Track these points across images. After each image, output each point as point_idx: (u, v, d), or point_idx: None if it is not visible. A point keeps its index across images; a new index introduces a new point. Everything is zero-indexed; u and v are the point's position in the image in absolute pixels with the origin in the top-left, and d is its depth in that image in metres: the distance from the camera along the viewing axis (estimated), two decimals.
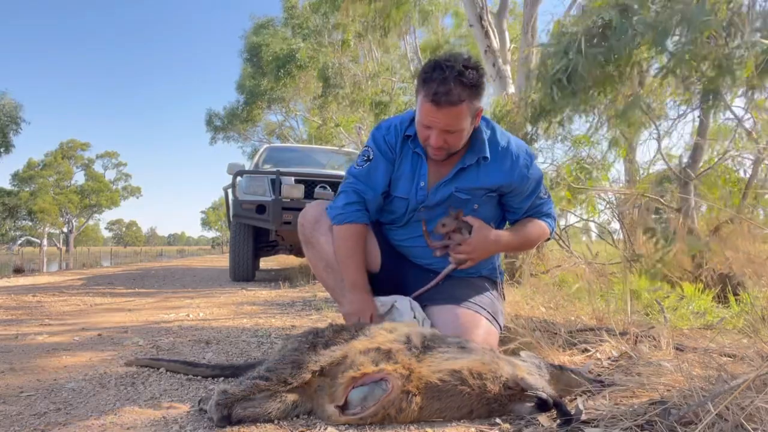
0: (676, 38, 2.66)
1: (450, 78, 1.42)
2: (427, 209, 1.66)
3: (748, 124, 3.29)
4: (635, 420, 1.00)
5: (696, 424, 0.92)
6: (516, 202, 1.70)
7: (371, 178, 1.67)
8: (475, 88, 1.46)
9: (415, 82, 1.57)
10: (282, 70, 14.52)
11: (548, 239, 1.82)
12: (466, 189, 1.62)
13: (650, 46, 2.81)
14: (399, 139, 1.67)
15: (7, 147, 16.69)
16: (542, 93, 3.17)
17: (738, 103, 3.21)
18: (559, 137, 4.16)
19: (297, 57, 13.87)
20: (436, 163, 1.64)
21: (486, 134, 1.62)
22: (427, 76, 1.46)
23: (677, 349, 1.53)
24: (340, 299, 1.77)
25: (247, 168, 6.20)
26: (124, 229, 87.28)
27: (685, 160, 3.67)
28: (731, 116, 3.30)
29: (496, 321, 1.62)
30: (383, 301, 1.62)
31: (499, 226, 1.76)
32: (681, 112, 3.69)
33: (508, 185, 1.63)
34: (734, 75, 2.53)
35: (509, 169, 1.62)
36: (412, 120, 1.66)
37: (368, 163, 1.68)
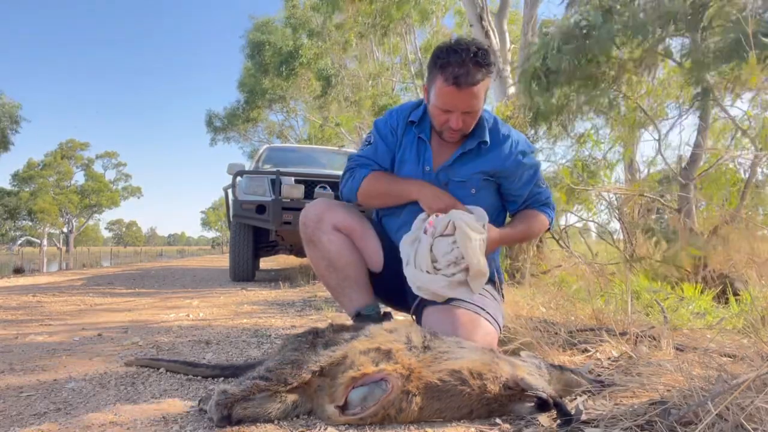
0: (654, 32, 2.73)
1: (467, 60, 1.48)
2: None
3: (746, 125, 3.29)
4: (635, 420, 1.00)
5: (696, 424, 0.92)
6: (514, 189, 1.72)
7: (373, 157, 1.75)
8: (489, 68, 1.52)
9: (429, 68, 1.61)
10: (285, 67, 14.49)
11: (548, 229, 1.85)
12: (465, 173, 1.66)
13: (627, 41, 2.90)
14: (401, 122, 1.74)
15: (6, 146, 16.56)
16: (522, 87, 3.28)
17: (737, 105, 3.23)
18: (561, 137, 4.16)
19: (300, 53, 13.86)
20: (438, 148, 1.70)
21: (488, 123, 1.68)
22: (443, 61, 1.50)
23: (677, 349, 1.53)
24: (341, 299, 1.77)
25: (247, 168, 6.20)
26: (124, 229, 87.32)
27: (684, 160, 3.67)
28: (728, 116, 3.31)
29: (496, 321, 1.62)
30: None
31: (498, 215, 1.77)
32: (681, 113, 3.70)
33: (504, 170, 1.67)
34: (710, 68, 2.59)
35: (507, 154, 1.66)
36: (416, 106, 1.73)
37: (369, 146, 1.77)
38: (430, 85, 1.58)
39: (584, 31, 2.97)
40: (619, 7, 2.89)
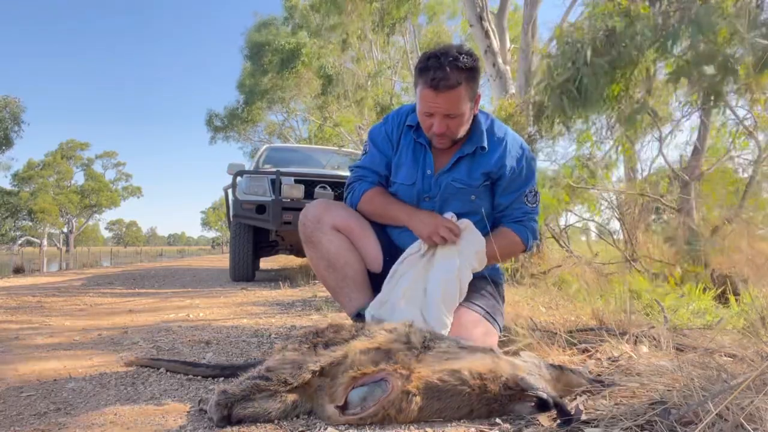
0: (684, 42, 2.68)
1: (445, 63, 1.50)
2: (431, 199, 1.70)
3: (748, 125, 3.28)
4: (635, 420, 1.00)
5: (696, 424, 0.92)
6: (498, 192, 1.71)
7: (370, 165, 1.78)
8: (471, 71, 1.53)
9: (414, 76, 1.64)
10: (286, 66, 14.45)
11: (525, 251, 1.78)
12: (463, 177, 1.67)
13: (657, 52, 2.85)
14: (396, 127, 1.76)
15: (9, 144, 16.65)
16: (552, 103, 3.22)
17: (740, 105, 3.22)
18: (562, 137, 4.15)
19: (303, 52, 13.84)
20: (437, 153, 1.70)
21: (485, 126, 1.69)
22: (423, 65, 1.54)
23: (677, 349, 1.53)
24: (341, 299, 1.77)
25: (247, 168, 6.19)
26: (124, 229, 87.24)
27: (686, 160, 3.68)
28: (732, 116, 3.31)
29: (496, 321, 1.63)
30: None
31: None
32: (684, 113, 3.70)
33: (496, 172, 1.67)
34: (736, 75, 2.56)
35: (500, 156, 1.67)
36: (412, 110, 1.74)
37: (366, 155, 1.81)
38: (415, 92, 1.61)
39: (606, 37, 2.91)
40: (642, 12, 2.82)
